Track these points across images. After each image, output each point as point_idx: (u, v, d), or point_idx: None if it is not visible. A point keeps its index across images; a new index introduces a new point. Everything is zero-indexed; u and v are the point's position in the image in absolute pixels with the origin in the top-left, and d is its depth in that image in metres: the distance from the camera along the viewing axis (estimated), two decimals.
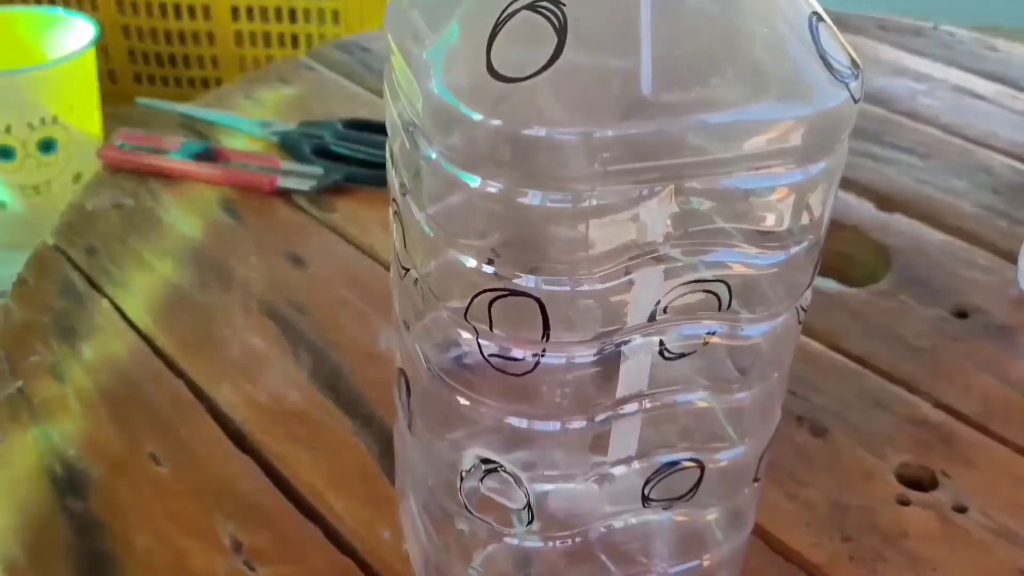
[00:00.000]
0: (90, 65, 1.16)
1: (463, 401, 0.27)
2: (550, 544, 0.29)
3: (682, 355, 0.26)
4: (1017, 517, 0.39)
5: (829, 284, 0.53)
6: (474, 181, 0.22)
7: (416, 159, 0.24)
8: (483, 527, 0.29)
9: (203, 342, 0.47)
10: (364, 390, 0.44)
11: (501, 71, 0.21)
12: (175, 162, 0.60)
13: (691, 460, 0.28)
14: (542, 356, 0.24)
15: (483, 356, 0.25)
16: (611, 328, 0.25)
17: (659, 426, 0.28)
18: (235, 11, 1.36)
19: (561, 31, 0.21)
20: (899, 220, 0.58)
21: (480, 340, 0.25)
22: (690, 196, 0.23)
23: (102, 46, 1.30)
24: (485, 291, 0.24)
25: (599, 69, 0.22)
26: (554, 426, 0.26)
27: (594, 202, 0.22)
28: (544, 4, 0.21)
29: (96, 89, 1.19)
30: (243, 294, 0.50)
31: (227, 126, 0.65)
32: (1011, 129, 0.67)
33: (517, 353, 0.25)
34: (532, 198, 0.22)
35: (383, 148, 0.30)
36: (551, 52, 0.21)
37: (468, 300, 0.24)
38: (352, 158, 0.61)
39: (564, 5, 0.21)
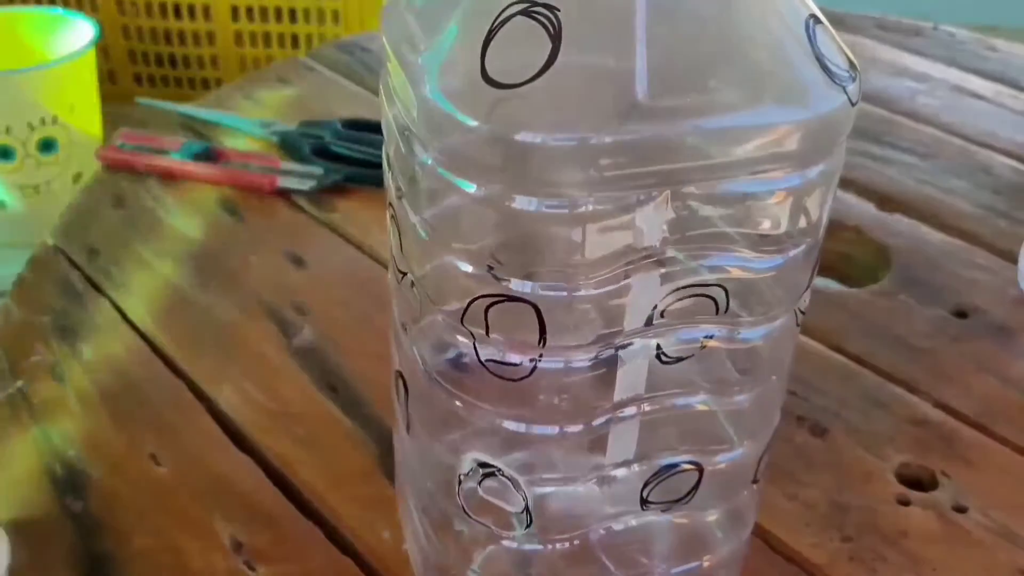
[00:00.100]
0: (90, 65, 1.16)
1: (460, 404, 0.27)
2: (550, 546, 0.29)
3: (679, 359, 0.26)
4: (1017, 517, 0.39)
5: (829, 284, 0.53)
6: (469, 187, 0.22)
7: (411, 164, 0.24)
8: (482, 530, 0.29)
9: (203, 342, 0.47)
10: (364, 390, 0.44)
11: (496, 77, 0.21)
12: (175, 162, 0.60)
13: (690, 462, 0.28)
14: (539, 361, 0.24)
15: (480, 361, 0.25)
16: (608, 333, 0.25)
17: (658, 429, 0.28)
18: (235, 11, 1.37)
19: (556, 36, 0.21)
20: (899, 220, 0.57)
21: (477, 345, 0.25)
22: (687, 201, 0.23)
23: (102, 46, 1.30)
24: (481, 296, 0.24)
25: (594, 74, 0.21)
26: (552, 430, 0.26)
27: (590, 208, 0.22)
28: (539, 9, 0.21)
29: (96, 89, 1.19)
30: (243, 294, 0.50)
31: (227, 126, 0.65)
32: (1011, 129, 0.67)
33: (514, 358, 0.24)
34: (527, 204, 0.22)
35: (383, 148, 0.30)
36: (546, 57, 0.21)
37: (464, 305, 0.24)
38: (352, 158, 0.61)
39: (559, 10, 0.21)
